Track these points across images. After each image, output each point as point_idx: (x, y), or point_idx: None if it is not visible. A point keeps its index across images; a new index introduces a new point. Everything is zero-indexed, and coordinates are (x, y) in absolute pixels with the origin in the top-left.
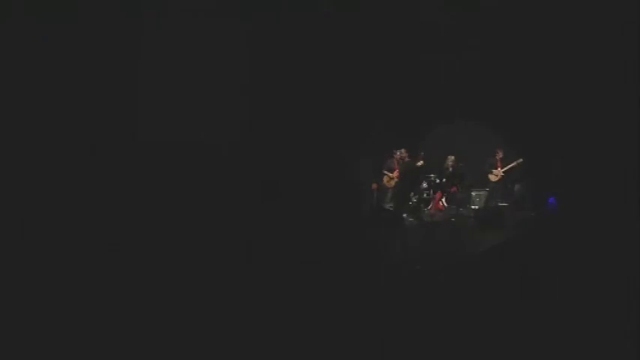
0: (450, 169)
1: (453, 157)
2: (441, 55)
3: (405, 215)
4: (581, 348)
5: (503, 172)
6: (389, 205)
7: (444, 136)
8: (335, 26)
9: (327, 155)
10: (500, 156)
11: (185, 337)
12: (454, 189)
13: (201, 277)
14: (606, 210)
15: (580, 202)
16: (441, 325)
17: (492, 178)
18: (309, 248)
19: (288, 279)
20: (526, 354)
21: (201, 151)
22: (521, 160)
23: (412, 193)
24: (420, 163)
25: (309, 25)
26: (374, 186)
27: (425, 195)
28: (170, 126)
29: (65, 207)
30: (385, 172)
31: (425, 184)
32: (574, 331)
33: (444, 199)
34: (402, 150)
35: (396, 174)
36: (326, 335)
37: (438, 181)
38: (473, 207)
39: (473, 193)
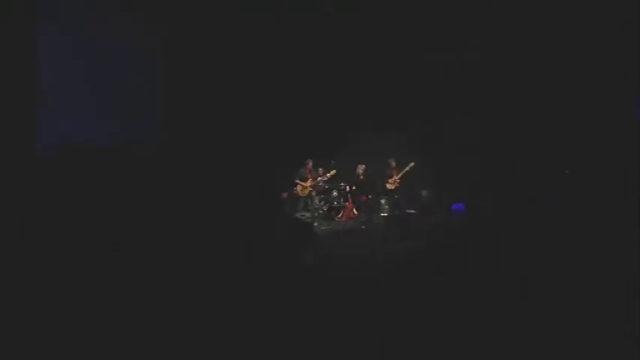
0: (361, 177)
1: (363, 166)
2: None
3: (316, 224)
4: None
5: (398, 179)
6: (301, 214)
7: (354, 146)
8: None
9: (239, 164)
10: (394, 165)
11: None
12: (365, 197)
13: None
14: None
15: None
16: (355, 333)
17: (389, 186)
18: (220, 256)
19: (200, 286)
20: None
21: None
22: (413, 164)
23: (323, 203)
24: (333, 172)
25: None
26: (284, 195)
27: (336, 203)
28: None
29: None
30: (298, 181)
31: (335, 193)
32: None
33: (354, 208)
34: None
35: (309, 183)
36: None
37: (348, 189)
38: (382, 214)
39: (382, 201)
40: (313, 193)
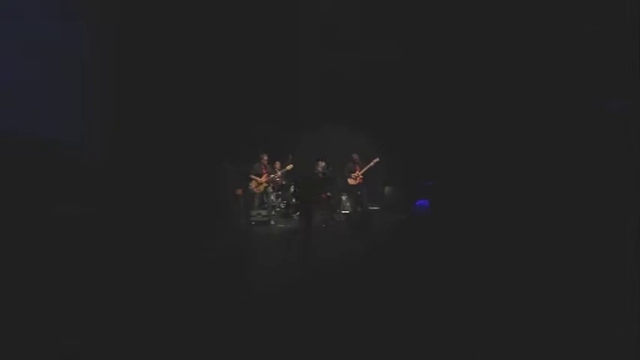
0: (321, 174)
1: (323, 163)
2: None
3: (273, 222)
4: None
5: (361, 174)
6: (257, 212)
7: (314, 142)
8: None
9: (193, 162)
10: (357, 159)
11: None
12: (325, 195)
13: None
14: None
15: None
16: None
17: (351, 182)
18: (175, 256)
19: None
20: None
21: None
22: (377, 159)
23: (280, 200)
24: (290, 166)
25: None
26: (239, 192)
27: (294, 201)
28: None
29: None
30: (253, 176)
31: (293, 189)
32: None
33: None
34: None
35: (264, 179)
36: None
37: None
38: (344, 212)
39: (343, 198)
40: (269, 189)
